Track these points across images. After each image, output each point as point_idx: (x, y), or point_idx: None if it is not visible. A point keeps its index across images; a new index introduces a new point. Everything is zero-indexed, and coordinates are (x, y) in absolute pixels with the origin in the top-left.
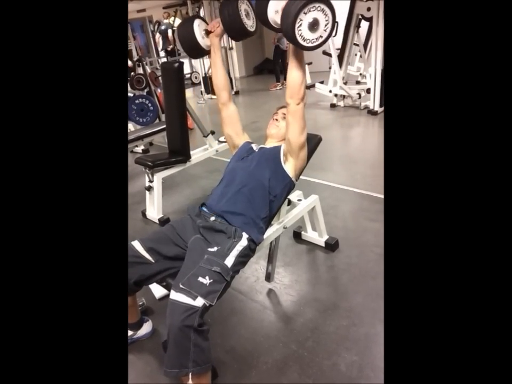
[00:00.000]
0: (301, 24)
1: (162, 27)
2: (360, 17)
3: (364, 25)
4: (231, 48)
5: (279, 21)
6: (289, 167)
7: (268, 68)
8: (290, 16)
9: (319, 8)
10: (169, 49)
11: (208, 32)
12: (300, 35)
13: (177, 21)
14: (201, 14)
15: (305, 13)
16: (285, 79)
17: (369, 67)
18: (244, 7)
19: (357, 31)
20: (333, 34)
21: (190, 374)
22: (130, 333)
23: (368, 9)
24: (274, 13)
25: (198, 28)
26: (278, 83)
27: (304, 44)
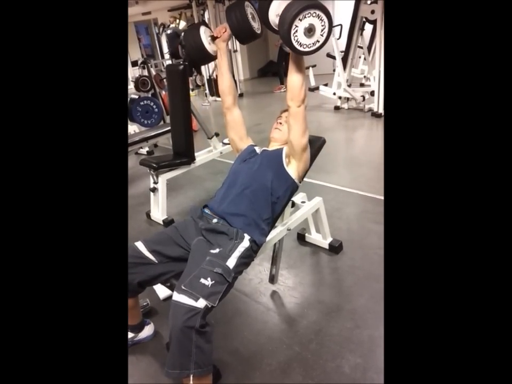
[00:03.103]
0: (296, 30)
1: (168, 31)
2: (364, 19)
3: (368, 28)
4: (235, 51)
5: None
6: (292, 169)
7: (272, 70)
8: (286, 22)
9: (314, 14)
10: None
11: (214, 38)
12: (296, 40)
13: (182, 23)
14: (206, 17)
15: (300, 20)
16: None
17: (373, 69)
18: (249, 11)
19: (361, 34)
20: (338, 37)
21: (191, 375)
22: (131, 335)
23: (372, 12)
24: (275, 16)
25: (204, 34)
26: (282, 85)
27: (301, 48)
